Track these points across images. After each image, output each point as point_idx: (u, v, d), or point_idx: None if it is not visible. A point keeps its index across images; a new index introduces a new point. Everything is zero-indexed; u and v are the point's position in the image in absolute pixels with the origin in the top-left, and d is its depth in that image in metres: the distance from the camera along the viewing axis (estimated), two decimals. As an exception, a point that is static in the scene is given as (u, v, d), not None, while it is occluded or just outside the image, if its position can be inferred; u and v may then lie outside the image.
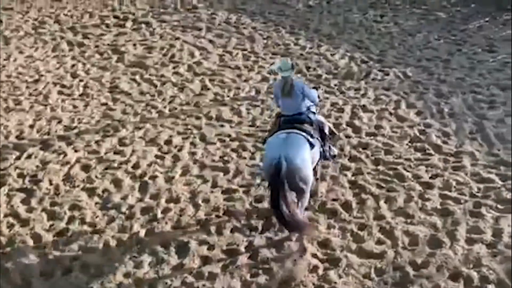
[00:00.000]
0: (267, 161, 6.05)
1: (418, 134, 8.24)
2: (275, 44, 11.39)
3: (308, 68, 10.38)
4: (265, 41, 11.58)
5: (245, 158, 7.86)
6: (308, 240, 6.27)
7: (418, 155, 7.77)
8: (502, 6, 12.76)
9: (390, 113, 8.81)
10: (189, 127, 8.68)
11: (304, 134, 6.23)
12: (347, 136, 8.24)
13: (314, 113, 6.69)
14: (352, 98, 9.29)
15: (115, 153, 8.10)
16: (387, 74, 10.02)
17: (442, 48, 10.97)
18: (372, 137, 8.21)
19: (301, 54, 10.91)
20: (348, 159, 7.74)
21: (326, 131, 6.78)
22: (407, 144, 8.02)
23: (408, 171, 7.43)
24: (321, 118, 6.95)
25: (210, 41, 11.67)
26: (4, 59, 11.13)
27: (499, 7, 12.74)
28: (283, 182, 5.79)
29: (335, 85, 9.74)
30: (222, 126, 8.67)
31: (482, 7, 12.83)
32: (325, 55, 10.87)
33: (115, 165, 7.82)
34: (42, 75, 10.45)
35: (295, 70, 6.78)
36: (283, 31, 12.02)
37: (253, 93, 9.57)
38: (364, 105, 9.04)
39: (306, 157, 6.06)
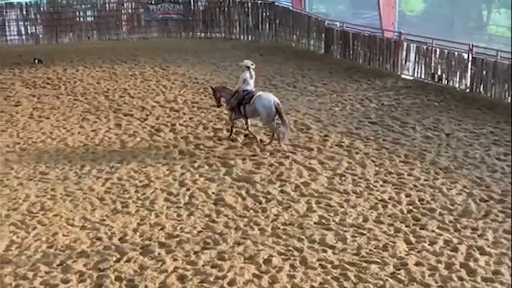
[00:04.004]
0: (269, 104, 12.27)
1: (542, 285, 7.78)
2: (387, 172, 11.46)
3: (421, 200, 10.29)
4: (377, 168, 11.70)
5: (346, 288, 7.75)
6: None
7: (541, 309, 7.31)
8: None
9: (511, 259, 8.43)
10: (290, 248, 8.74)
11: None
12: (461, 279, 7.94)
13: None
14: (468, 237, 9.02)
15: (212, 266, 8.28)
16: (509, 217, 9.68)
17: None
18: (489, 283, 7.85)
19: (415, 185, 10.87)
20: (460, 304, 7.41)
21: None
22: (528, 296, 7.58)
23: (528, 326, 6.98)
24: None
25: (321, 162, 11.96)
26: (118, 162, 11.99)
27: None
28: (283, 110, 12.46)
29: (450, 221, 9.54)
30: (324, 251, 8.67)
31: None
32: (441, 188, 10.75)
33: (211, 279, 7.96)
34: (151, 181, 11.11)
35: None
36: (397, 159, 12.11)
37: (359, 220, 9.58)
38: (481, 247, 8.74)
39: None
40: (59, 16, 24.95)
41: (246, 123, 13.28)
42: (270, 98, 12.49)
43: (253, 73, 12.99)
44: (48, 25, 24.85)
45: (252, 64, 12.97)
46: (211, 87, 14.47)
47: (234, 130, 13.33)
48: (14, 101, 16.48)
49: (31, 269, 8.23)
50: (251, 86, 12.87)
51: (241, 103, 12.74)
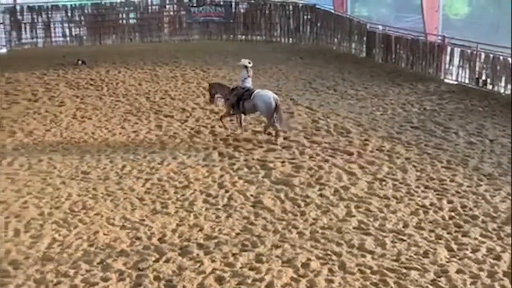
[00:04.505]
0: (269, 100, 12.94)
1: None
2: (429, 178, 11.31)
3: (463, 207, 10.11)
4: (418, 173, 11.55)
5: (385, 294, 7.67)
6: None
7: None
8: None
9: (557, 269, 8.22)
10: (328, 252, 8.70)
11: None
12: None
13: None
14: (512, 246, 8.85)
15: (250, 269, 8.29)
16: (555, 225, 9.45)
17: None
18: (533, 293, 7.68)
19: (457, 192, 10.70)
20: (503, 314, 7.26)
21: None
22: None
23: None
24: None
25: (361, 167, 11.87)
26: (158, 163, 12.12)
27: None
28: (280, 107, 13.17)
29: (494, 229, 9.35)
30: (363, 256, 8.60)
31: None
32: (484, 195, 10.56)
33: (249, 281, 7.97)
34: (191, 182, 11.20)
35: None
36: (439, 165, 11.94)
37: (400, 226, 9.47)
38: (525, 256, 8.55)
39: None
40: (103, 18, 25.37)
41: (241, 119, 13.89)
42: (270, 94, 13.18)
43: (251, 71, 13.54)
44: (92, 27, 25.30)
45: (249, 63, 13.46)
46: (208, 83, 15.09)
47: (229, 119, 14.06)
48: (58, 101, 16.83)
49: (72, 267, 8.38)
50: (249, 84, 13.47)
51: (240, 99, 13.31)
